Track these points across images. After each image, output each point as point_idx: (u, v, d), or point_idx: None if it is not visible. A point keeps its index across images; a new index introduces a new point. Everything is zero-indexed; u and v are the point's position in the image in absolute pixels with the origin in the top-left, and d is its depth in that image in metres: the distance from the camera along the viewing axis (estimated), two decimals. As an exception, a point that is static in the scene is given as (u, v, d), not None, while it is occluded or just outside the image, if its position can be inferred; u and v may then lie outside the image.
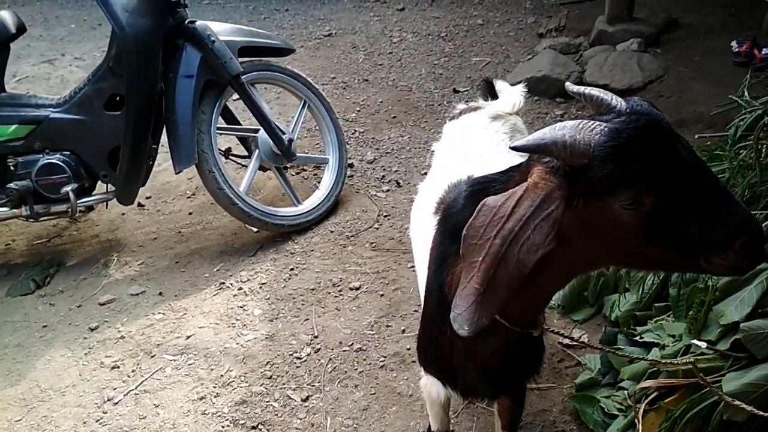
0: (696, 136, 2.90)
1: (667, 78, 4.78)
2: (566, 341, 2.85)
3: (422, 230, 1.92)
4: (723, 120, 2.93)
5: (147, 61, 3.30)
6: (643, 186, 1.11)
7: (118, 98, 3.43)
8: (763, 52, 4.61)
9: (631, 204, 1.12)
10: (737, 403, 1.85)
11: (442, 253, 1.54)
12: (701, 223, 1.13)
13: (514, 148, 1.18)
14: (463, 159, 2.11)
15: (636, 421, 2.27)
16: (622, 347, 2.59)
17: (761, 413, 1.75)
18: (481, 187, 1.38)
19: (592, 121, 1.16)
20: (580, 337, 2.89)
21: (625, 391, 2.45)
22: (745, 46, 4.69)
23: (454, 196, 1.73)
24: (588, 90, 1.29)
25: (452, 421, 2.54)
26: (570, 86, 1.39)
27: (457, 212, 1.50)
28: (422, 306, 1.80)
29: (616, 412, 2.42)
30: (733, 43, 4.77)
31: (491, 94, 2.58)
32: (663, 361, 2.16)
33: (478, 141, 2.25)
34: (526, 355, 1.74)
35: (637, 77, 4.80)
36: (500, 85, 2.59)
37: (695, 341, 2.10)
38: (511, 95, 2.44)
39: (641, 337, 2.52)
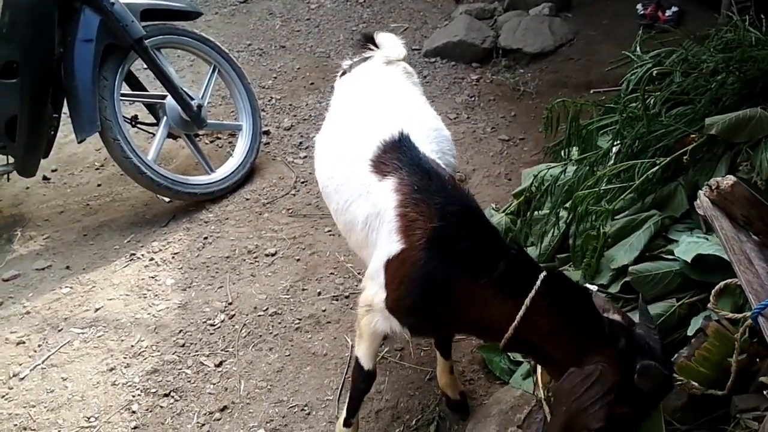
0: (591, 91, 3.00)
1: (576, 41, 4.90)
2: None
3: (351, 182, 2.08)
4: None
5: (41, 26, 3.15)
6: None
7: (15, 65, 3.26)
8: (666, 14, 4.79)
9: None
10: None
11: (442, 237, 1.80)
12: None
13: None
14: (373, 103, 2.24)
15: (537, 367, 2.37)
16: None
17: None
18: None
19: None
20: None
21: (529, 339, 2.54)
22: (650, 9, 4.86)
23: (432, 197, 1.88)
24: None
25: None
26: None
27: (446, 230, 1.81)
28: (406, 259, 1.87)
29: (521, 359, 2.52)
30: (639, 6, 4.93)
31: (374, 45, 2.67)
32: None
33: (381, 84, 2.35)
34: None
35: (548, 41, 4.90)
36: (381, 37, 2.68)
37: (587, 285, 2.19)
38: (395, 43, 2.61)
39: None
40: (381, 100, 2.27)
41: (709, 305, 1.88)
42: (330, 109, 2.52)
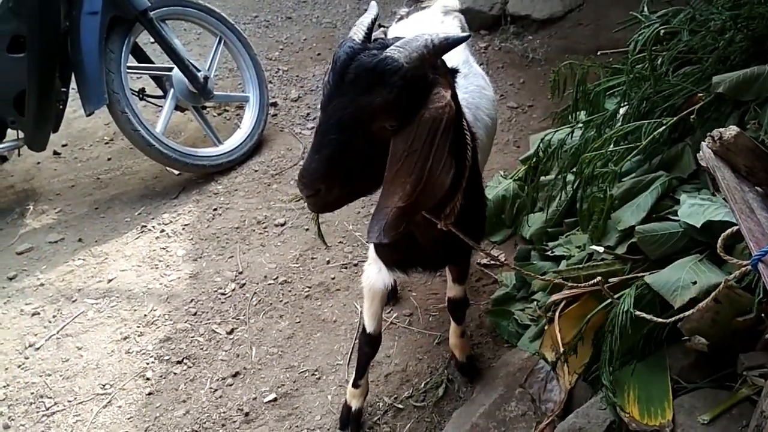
0: (598, 53, 2.97)
1: (586, 6, 4.83)
2: (484, 261, 2.95)
3: None
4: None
5: (47, 0, 3.15)
6: None
7: (22, 40, 3.27)
8: (677, -23, 4.70)
9: None
10: (639, 312, 1.95)
11: None
12: None
13: None
14: None
15: (545, 328, 2.39)
16: (534, 262, 2.69)
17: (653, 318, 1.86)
18: None
19: None
20: (498, 256, 2.99)
21: (536, 303, 2.55)
22: (661, -28, 4.76)
23: None
24: None
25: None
26: None
27: None
28: None
29: (529, 323, 2.53)
30: (649, -31, 4.84)
31: None
32: (563, 270, 2.26)
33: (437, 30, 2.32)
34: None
35: (557, 7, 4.84)
36: None
37: (593, 246, 2.19)
38: None
39: (552, 252, 2.62)
40: None
41: (718, 250, 1.85)
42: None
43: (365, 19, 1.41)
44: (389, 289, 2.13)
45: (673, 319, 1.83)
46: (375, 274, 2.06)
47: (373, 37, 1.78)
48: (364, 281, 2.13)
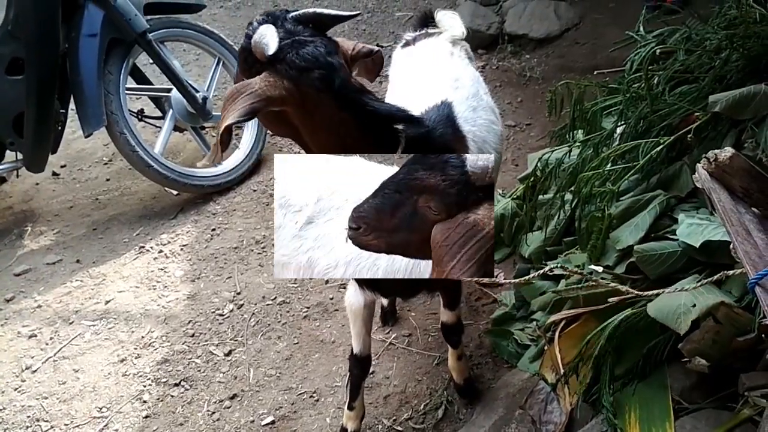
0: (595, 72, 2.98)
1: (582, 25, 4.87)
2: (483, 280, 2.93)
3: None
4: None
5: (46, 22, 3.17)
6: None
7: (21, 62, 3.29)
8: (673, -4, 4.73)
9: None
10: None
11: None
12: None
13: None
14: (438, 85, 2.12)
15: (545, 348, 2.37)
16: (533, 281, 2.68)
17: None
18: None
19: None
20: (497, 275, 2.98)
21: (536, 323, 2.54)
22: (657, -9, 4.79)
23: None
24: None
25: (373, 362, 2.59)
26: None
27: None
28: None
29: (528, 343, 2.51)
30: (645, -12, 4.87)
31: (430, 24, 2.61)
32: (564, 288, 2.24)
33: (449, 66, 2.29)
34: None
35: (554, 26, 4.87)
36: (440, 15, 2.61)
37: (592, 266, 2.18)
38: (457, 21, 2.54)
39: (551, 271, 2.60)
40: (445, 79, 2.18)
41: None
42: (391, 79, 2.46)
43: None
44: (368, 308, 2.11)
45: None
46: (353, 294, 2.08)
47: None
48: (345, 302, 2.14)
